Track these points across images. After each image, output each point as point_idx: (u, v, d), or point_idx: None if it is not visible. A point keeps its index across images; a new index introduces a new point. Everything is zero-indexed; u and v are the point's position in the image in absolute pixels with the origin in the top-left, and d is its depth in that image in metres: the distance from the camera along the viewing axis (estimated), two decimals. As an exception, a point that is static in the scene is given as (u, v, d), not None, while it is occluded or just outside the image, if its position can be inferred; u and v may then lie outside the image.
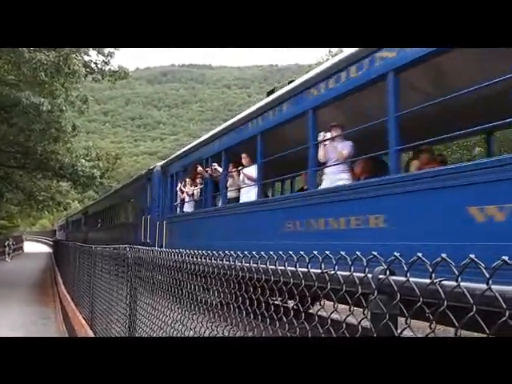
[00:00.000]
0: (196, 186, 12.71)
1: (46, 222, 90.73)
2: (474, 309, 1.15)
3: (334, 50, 28.68)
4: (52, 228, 79.25)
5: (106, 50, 20.70)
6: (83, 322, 8.57)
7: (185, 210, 13.09)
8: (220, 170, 10.76)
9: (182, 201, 13.22)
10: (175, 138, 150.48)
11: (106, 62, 20.87)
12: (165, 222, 14.47)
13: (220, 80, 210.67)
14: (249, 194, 9.63)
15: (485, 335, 1.16)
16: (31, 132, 18.96)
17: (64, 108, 18.21)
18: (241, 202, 9.93)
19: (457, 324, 1.21)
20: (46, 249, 56.42)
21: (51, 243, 48.14)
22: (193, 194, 12.78)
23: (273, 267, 2.09)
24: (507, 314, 1.07)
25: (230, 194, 10.65)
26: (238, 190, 10.26)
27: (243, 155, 10.03)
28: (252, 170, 9.58)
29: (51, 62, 15.28)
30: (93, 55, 20.87)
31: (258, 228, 8.60)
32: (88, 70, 20.04)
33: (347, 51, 7.05)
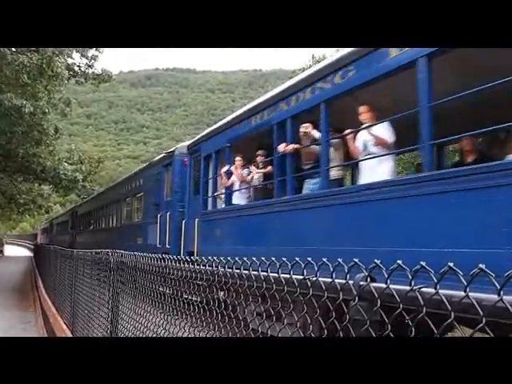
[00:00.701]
0: (257, 166, 9.10)
1: (27, 226, 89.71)
2: (452, 315, 1.17)
3: (317, 55, 28.82)
4: (33, 231, 78.26)
5: (90, 53, 20.63)
6: (64, 326, 8.49)
7: (234, 202, 9.34)
8: (317, 134, 7.01)
9: (228, 189, 9.54)
10: (158, 142, 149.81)
11: (89, 65, 20.80)
12: (196, 221, 10.61)
13: (204, 84, 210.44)
14: (379, 169, 6.12)
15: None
16: (13, 134, 18.74)
17: (46, 110, 18.04)
18: (362, 182, 6.33)
19: (435, 330, 1.24)
20: (26, 252, 55.74)
21: (32, 247, 47.47)
22: (245, 178, 9.21)
23: (255, 273, 2.09)
24: (484, 321, 1.10)
25: (335, 173, 7.07)
26: (353, 164, 6.97)
27: (362, 108, 6.44)
28: (383, 130, 6.16)
29: (34, 65, 15.15)
30: (76, 58, 20.78)
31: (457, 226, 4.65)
32: (71, 72, 19.91)
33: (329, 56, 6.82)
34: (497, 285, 1.07)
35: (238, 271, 2.23)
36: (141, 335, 3.78)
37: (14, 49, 15.81)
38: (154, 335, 3.43)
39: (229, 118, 10.09)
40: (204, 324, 2.82)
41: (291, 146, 7.40)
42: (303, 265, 1.79)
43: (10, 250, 59.86)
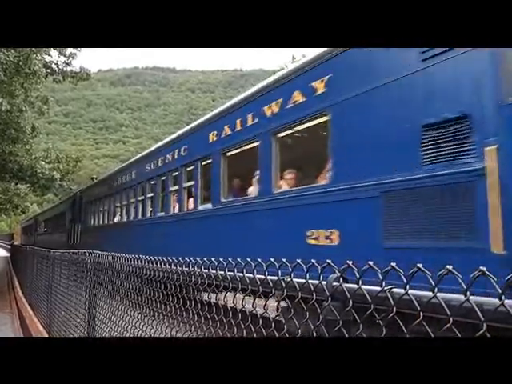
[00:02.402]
0: None
1: (4, 225, 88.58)
2: (421, 315, 1.20)
3: (297, 55, 28.95)
4: (10, 231, 77.08)
5: (68, 51, 20.42)
6: (41, 328, 8.40)
7: None
8: None
9: None
10: (138, 141, 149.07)
11: (67, 63, 20.58)
12: None
13: (184, 84, 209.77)
14: None
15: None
16: (-12, 133, 18.55)
17: (23, 108, 17.82)
18: None
19: (405, 329, 1.26)
20: (3, 253, 54.92)
21: (9, 247, 46.50)
22: None
23: (231, 273, 2.10)
24: (451, 321, 1.12)
25: None
26: None
27: None
28: None
29: (11, 62, 14.98)
30: (54, 56, 20.56)
31: None
32: (49, 70, 19.71)
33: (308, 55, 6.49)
34: (463, 285, 1.10)
35: (213, 272, 2.24)
36: (117, 336, 3.77)
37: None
38: (131, 336, 3.42)
39: None
40: (181, 324, 2.82)
41: None
42: (278, 265, 1.79)
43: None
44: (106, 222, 17.57)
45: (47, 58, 19.98)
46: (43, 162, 21.60)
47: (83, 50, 21.16)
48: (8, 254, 40.02)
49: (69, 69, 20.81)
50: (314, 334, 1.59)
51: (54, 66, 20.63)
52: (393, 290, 1.29)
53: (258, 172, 8.18)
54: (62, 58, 20.60)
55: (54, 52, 20.21)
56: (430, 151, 4.98)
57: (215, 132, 9.53)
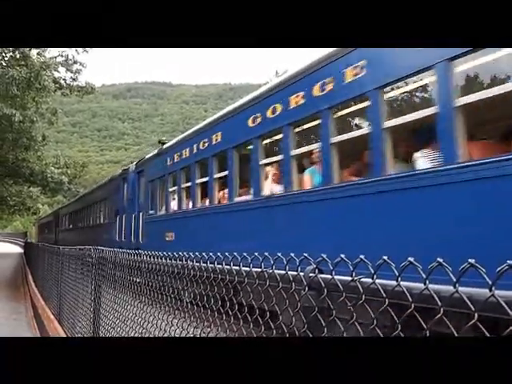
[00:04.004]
0: None
1: (19, 224, 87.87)
2: (387, 302, 1.20)
3: (280, 71, 28.97)
4: (24, 230, 76.26)
5: (74, 68, 20.33)
6: (52, 317, 8.33)
7: None
8: None
9: None
10: (138, 148, 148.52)
11: (73, 79, 20.48)
12: None
13: (179, 96, 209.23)
14: None
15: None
16: (3, 141, 18.45)
17: (35, 119, 17.80)
18: None
19: (372, 315, 1.27)
20: (18, 249, 54.29)
21: (23, 244, 45.86)
22: None
23: (220, 266, 2.09)
24: (413, 306, 1.13)
25: None
26: None
27: None
28: None
29: (23, 78, 14.90)
30: (62, 72, 20.45)
31: None
32: (57, 85, 19.60)
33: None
34: (423, 275, 1.10)
35: (204, 265, 2.23)
36: (121, 324, 3.75)
37: (4, 63, 15.54)
38: (133, 323, 3.40)
39: None
40: (176, 312, 2.81)
41: None
42: (261, 258, 1.79)
43: (2, 247, 58.25)
44: (218, 201, 9.07)
45: (56, 74, 19.90)
46: (53, 168, 21.62)
47: (88, 66, 20.98)
48: (22, 251, 39.47)
49: (75, 83, 20.73)
50: (294, 319, 1.60)
51: (62, 82, 20.53)
52: (362, 279, 1.29)
53: None
54: (69, 74, 20.52)
55: (61, 68, 20.13)
56: None
57: None
